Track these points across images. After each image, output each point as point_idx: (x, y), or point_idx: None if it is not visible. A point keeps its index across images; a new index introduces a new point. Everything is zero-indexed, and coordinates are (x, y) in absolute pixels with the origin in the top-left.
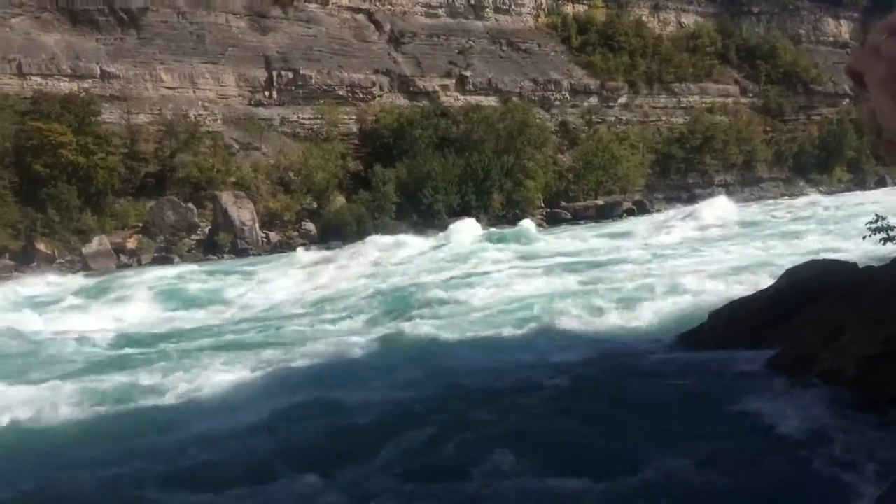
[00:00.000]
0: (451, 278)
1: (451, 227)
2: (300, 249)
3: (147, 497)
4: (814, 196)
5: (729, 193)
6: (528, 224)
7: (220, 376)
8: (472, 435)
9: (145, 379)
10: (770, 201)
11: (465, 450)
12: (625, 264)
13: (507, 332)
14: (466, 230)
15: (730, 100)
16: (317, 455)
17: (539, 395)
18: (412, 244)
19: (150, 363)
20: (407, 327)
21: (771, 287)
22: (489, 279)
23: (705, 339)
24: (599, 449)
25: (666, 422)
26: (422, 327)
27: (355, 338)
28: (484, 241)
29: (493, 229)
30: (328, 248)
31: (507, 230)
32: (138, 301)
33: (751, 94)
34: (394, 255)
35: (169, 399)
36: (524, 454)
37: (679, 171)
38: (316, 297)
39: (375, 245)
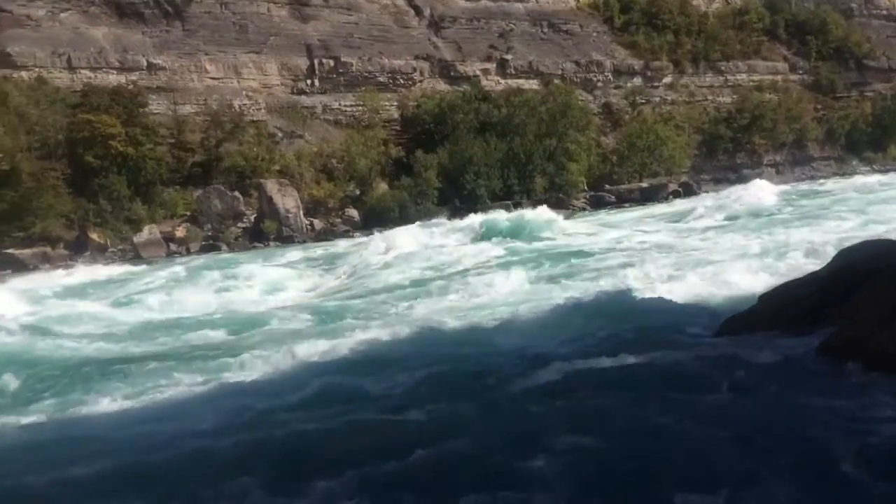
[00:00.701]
0: (421, 282)
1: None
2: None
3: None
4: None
5: (779, 173)
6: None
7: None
8: (499, 434)
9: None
10: (821, 181)
11: (488, 454)
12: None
13: (504, 325)
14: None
15: (779, 77)
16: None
17: (574, 385)
18: (403, 244)
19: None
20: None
21: (823, 268)
22: (458, 286)
23: (756, 322)
24: (641, 445)
25: (713, 415)
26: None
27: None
28: (480, 242)
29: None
30: (368, 234)
31: (507, 219)
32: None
33: (801, 71)
34: (374, 258)
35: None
36: (555, 453)
37: (727, 152)
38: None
39: (368, 247)
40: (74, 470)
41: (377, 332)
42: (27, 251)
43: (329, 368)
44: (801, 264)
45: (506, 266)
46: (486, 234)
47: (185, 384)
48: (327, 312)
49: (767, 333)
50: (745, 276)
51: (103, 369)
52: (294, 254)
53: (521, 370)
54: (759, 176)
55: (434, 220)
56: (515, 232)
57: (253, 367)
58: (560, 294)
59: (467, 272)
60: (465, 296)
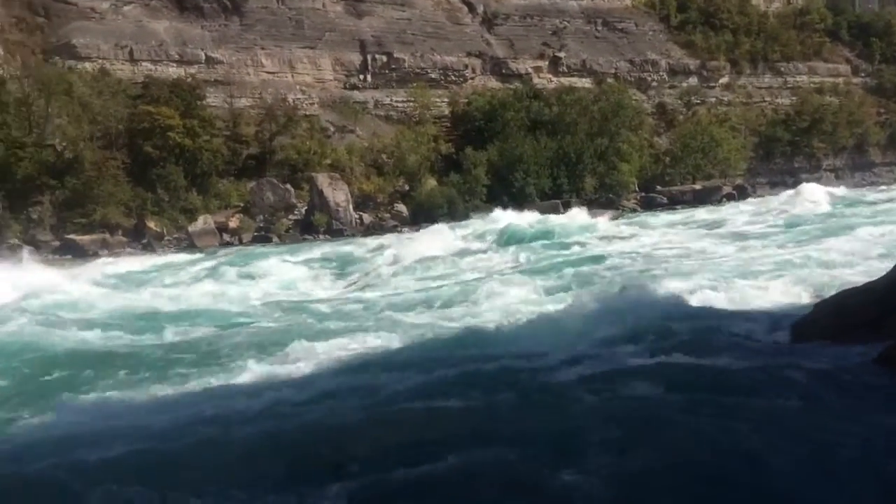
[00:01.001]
0: (430, 289)
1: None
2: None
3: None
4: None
5: (838, 178)
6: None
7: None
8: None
9: None
10: (882, 186)
11: (518, 460)
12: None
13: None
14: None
15: (840, 80)
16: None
17: (612, 389)
18: (421, 249)
19: None
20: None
21: (881, 278)
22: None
23: (810, 330)
24: (692, 456)
25: (768, 426)
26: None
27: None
28: (501, 248)
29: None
30: (418, 230)
31: (530, 225)
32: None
33: (863, 74)
34: (387, 265)
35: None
36: (594, 463)
37: (784, 155)
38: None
39: (384, 252)
40: (80, 456)
41: (388, 336)
42: (87, 238)
43: (331, 370)
44: (844, 274)
45: (522, 274)
46: (508, 241)
47: (180, 381)
48: (329, 314)
49: (823, 342)
50: (794, 285)
51: (106, 360)
52: (317, 251)
53: (546, 373)
54: (818, 180)
55: (463, 222)
56: (541, 238)
57: (253, 367)
58: (576, 302)
59: (480, 280)
60: (473, 304)
